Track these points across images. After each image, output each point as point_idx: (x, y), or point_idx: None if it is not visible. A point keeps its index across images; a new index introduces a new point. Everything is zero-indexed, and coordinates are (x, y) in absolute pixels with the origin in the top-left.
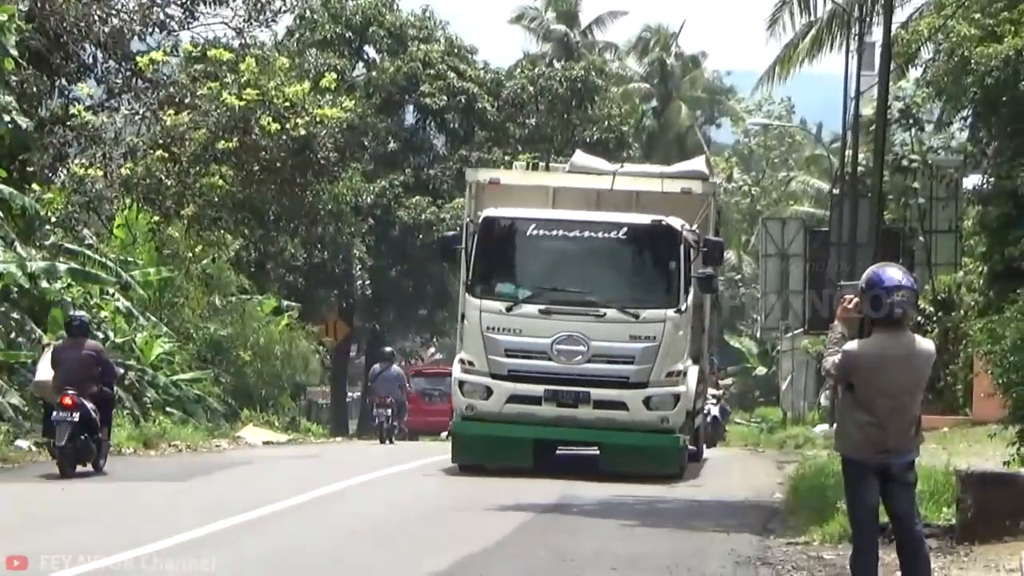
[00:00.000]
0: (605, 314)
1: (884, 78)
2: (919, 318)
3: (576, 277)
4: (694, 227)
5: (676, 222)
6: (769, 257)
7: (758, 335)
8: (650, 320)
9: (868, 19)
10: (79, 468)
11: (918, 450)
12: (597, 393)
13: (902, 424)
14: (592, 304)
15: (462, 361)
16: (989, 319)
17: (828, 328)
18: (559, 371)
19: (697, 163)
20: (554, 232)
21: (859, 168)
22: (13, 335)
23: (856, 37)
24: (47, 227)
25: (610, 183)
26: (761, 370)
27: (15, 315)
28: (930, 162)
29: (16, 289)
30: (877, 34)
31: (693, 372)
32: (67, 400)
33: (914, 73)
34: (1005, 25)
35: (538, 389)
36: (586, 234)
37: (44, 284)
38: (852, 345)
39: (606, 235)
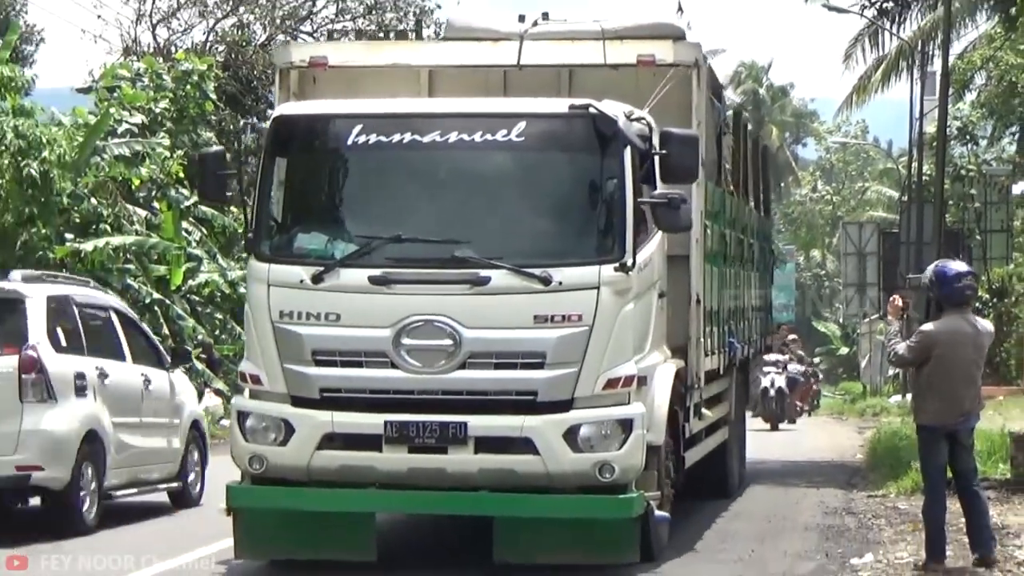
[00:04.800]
0: (488, 279)
1: (944, 101)
2: (978, 304)
3: (435, 216)
4: (644, 115)
5: (613, 108)
6: (849, 256)
7: (841, 321)
8: (571, 286)
9: (929, 52)
10: None
11: (978, 415)
12: (480, 424)
13: (972, 392)
14: (465, 263)
15: (244, 377)
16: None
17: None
18: (409, 387)
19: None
20: (395, 137)
21: (924, 178)
22: (217, 332)
23: (919, 67)
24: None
25: (517, 55)
26: (844, 350)
27: (218, 315)
28: (984, 171)
29: (219, 294)
30: (937, 64)
31: (666, 373)
32: None
33: (969, 96)
34: None
35: (374, 422)
36: (452, 138)
37: (242, 290)
38: (928, 326)
39: (488, 138)
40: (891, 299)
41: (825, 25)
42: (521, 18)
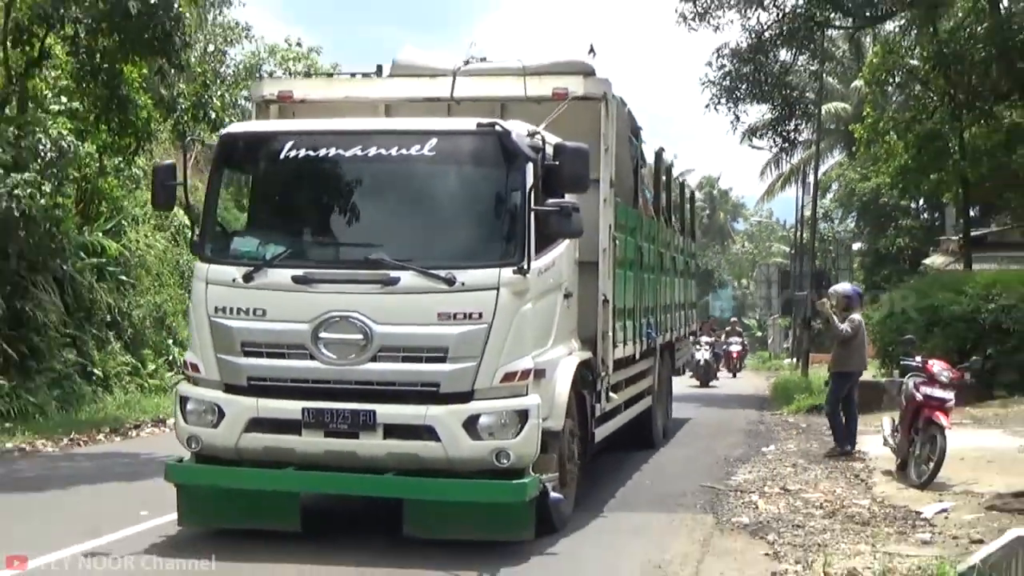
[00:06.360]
0: (398, 280)
1: (814, 198)
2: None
3: (355, 221)
4: (541, 132)
5: (516, 127)
6: (761, 282)
7: (757, 318)
8: (473, 286)
9: (808, 171)
10: None
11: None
12: (387, 412)
13: (866, 354)
14: (377, 264)
15: (186, 365)
16: (866, 311)
17: (786, 314)
18: (326, 377)
19: (578, 57)
20: (321, 152)
21: (803, 241)
22: None
23: (802, 179)
24: None
25: (450, 89)
26: (759, 334)
27: None
28: (837, 237)
29: None
30: (811, 178)
31: (568, 365)
32: None
33: (829, 195)
34: (872, 172)
35: (293, 408)
36: (371, 152)
37: None
38: (856, 315)
39: (402, 153)
40: (822, 301)
41: (751, 155)
42: (467, 62)
